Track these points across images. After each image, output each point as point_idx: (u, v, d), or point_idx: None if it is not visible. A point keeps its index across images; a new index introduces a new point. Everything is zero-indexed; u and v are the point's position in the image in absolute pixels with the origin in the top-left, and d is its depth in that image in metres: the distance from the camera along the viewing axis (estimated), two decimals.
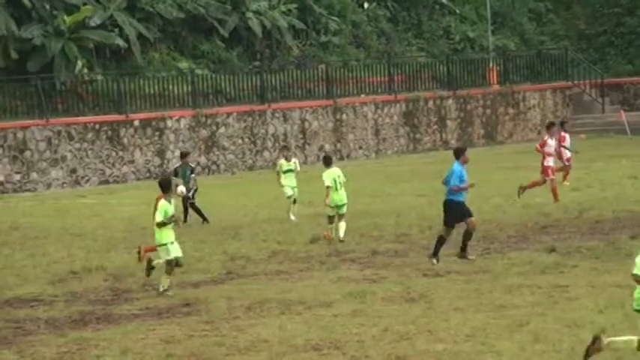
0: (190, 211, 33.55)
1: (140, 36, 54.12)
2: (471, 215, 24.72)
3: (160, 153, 50.82)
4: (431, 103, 58.98)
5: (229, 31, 57.76)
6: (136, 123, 50.69)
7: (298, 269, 24.53)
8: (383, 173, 46.21)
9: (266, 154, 53.68)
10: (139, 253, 26.04)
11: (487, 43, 65.72)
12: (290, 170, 33.33)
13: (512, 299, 20.16)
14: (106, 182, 49.31)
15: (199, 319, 20.04)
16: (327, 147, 54.73)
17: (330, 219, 28.27)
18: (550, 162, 34.41)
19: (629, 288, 20.36)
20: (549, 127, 36.37)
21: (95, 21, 52.51)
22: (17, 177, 47.40)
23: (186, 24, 57.17)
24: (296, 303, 20.83)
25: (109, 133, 49.98)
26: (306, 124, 54.97)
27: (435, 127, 59.00)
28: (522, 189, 33.85)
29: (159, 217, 22.30)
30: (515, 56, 65.24)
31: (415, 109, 58.33)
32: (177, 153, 49.96)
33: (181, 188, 27.69)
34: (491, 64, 63.47)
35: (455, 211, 24.66)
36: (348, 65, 59.87)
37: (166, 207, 22.35)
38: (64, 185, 48.27)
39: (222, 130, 52.71)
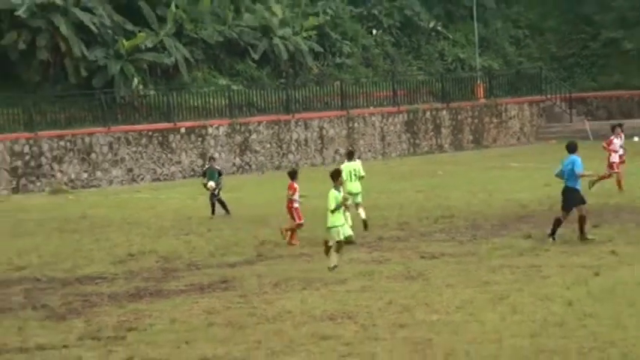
0: (218, 205, 33.31)
1: (185, 58, 54.26)
2: (584, 203, 24.39)
3: (202, 155, 50.83)
4: (428, 113, 58.91)
5: (260, 54, 57.85)
6: (182, 130, 50.78)
7: (317, 252, 24.55)
8: (388, 173, 46.15)
9: (290, 156, 53.69)
10: (282, 233, 26.16)
11: (475, 63, 65.58)
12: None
13: (494, 277, 20.17)
14: (158, 180, 49.41)
15: (235, 293, 20.09)
16: (342, 150, 54.72)
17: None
18: (615, 158, 34.08)
19: (593, 268, 20.48)
20: (615, 128, 35.66)
21: (148, 45, 52.66)
22: (85, 175, 47.52)
23: (224, 47, 57.25)
24: (315, 280, 20.85)
25: (160, 138, 50.11)
26: (324, 132, 54.95)
27: (432, 133, 58.91)
28: (593, 182, 33.20)
29: (332, 205, 22.26)
30: (499, 74, 65.15)
31: (415, 118, 58.28)
32: (217, 155, 50.30)
33: (211, 183, 30.86)
34: (478, 81, 63.39)
35: (574, 198, 24.26)
36: (359, 82, 59.82)
37: (336, 195, 22.35)
38: (123, 182, 48.37)
39: (253, 136, 52.74)
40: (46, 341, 16.51)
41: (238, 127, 52.29)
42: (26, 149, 46.55)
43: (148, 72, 53.04)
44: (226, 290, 20.49)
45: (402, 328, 16.24)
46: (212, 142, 51.44)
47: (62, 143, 47.45)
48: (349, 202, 24.77)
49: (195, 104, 52.45)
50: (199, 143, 51.06)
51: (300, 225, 26.33)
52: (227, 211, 33.17)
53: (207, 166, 35.53)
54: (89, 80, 51.17)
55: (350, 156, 29.29)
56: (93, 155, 48.18)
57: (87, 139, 48.10)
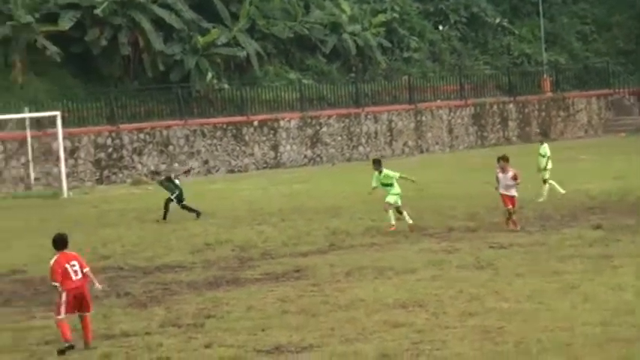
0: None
1: (258, 52, 54.41)
2: None
3: (274, 147, 51.01)
4: (495, 107, 58.53)
5: (329, 49, 57.88)
6: (255, 123, 50.92)
7: (388, 242, 24.44)
8: (456, 164, 45.88)
9: (360, 148, 53.61)
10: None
11: (541, 58, 65.06)
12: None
13: (564, 267, 19.88)
14: (232, 171, 49.60)
15: (308, 282, 20.03)
16: (410, 143, 54.60)
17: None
18: None
19: None
20: None
21: (222, 40, 52.93)
22: (163, 166, 47.84)
23: (294, 43, 57.35)
24: (387, 269, 20.73)
25: (234, 131, 50.28)
26: (393, 124, 54.76)
27: (499, 126, 58.50)
28: None
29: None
30: (565, 69, 64.61)
31: (482, 112, 57.91)
32: (289, 147, 50.42)
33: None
34: (545, 76, 62.93)
35: None
36: (427, 76, 59.62)
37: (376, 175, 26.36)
38: (199, 173, 48.61)
39: (324, 129, 52.71)
40: (130, 328, 16.59)
41: (309, 120, 52.29)
42: (109, 142, 46.99)
43: (222, 67, 53.26)
44: (299, 279, 20.43)
45: (472, 317, 16.05)
46: (284, 135, 51.50)
47: (142, 136, 47.81)
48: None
49: (267, 98, 52.58)
50: (271, 136, 51.14)
51: None
52: (197, 212, 31.37)
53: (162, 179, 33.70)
54: (166, 75, 51.58)
55: (377, 164, 27.68)
56: (170, 147, 48.50)
57: (165, 132, 48.43)
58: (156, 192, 40.86)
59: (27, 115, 43.61)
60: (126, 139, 47.35)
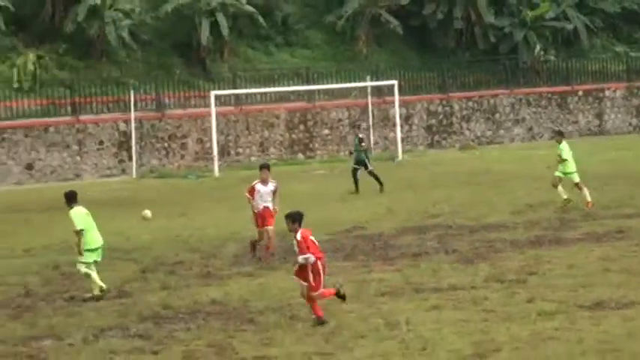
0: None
1: (586, 26, 53.11)
2: None
3: (599, 116, 49.72)
4: None
5: None
6: (580, 93, 49.77)
7: None
8: None
9: None
10: None
11: None
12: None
13: None
14: (532, 138, 48.87)
15: (630, 242, 19.33)
16: None
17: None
18: None
19: None
20: None
21: (550, 15, 52.03)
22: (489, 133, 47.68)
23: (622, 17, 55.47)
24: None
25: (559, 100, 49.41)
26: None
27: None
28: None
29: None
30: None
31: None
32: (613, 116, 48.95)
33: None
34: None
35: None
36: None
37: None
38: (523, 140, 48.10)
39: None
40: (457, 282, 16.64)
41: (636, 90, 50.56)
42: (440, 109, 47.32)
43: (550, 39, 52.37)
44: (622, 240, 19.75)
45: None
46: (608, 104, 50.06)
47: (470, 104, 47.86)
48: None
49: (593, 69, 51.31)
50: (596, 105, 49.86)
51: None
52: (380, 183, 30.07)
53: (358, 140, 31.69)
54: (496, 47, 51.39)
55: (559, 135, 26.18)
56: (497, 115, 48.28)
57: (492, 101, 48.27)
58: (482, 156, 40.83)
59: (368, 83, 44.60)
60: (455, 107, 47.57)
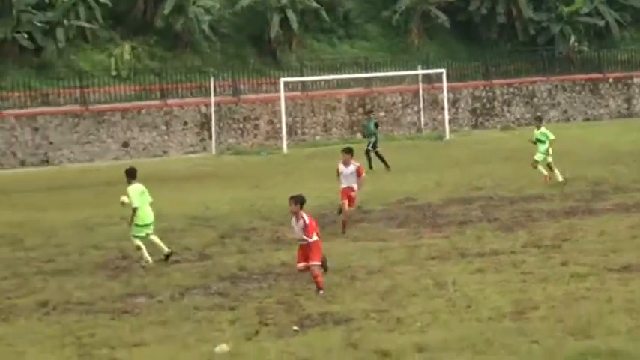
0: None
1: (616, 20, 52.18)
2: None
3: (627, 100, 48.95)
4: None
5: None
6: (610, 80, 48.98)
7: None
8: None
9: None
10: None
11: None
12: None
13: None
14: (587, 120, 48.04)
15: None
16: None
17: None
18: None
19: None
20: None
21: (584, 10, 51.21)
22: (527, 115, 47.03)
23: None
24: None
25: (591, 86, 48.65)
26: None
27: None
28: None
29: None
30: None
31: None
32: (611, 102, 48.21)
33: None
34: None
35: None
36: None
37: None
38: (558, 121, 47.49)
39: None
40: (498, 247, 16.50)
41: None
42: (483, 94, 46.90)
43: (583, 32, 51.56)
44: None
45: None
46: (636, 90, 49.31)
47: (510, 89, 47.37)
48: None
49: (622, 59, 50.46)
50: (625, 90, 49.09)
51: None
52: (386, 164, 29.70)
53: (365, 119, 31.67)
54: (534, 39, 50.78)
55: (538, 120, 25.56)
56: (535, 99, 47.73)
57: (530, 87, 47.72)
58: (521, 135, 40.35)
59: (419, 71, 44.36)
60: (497, 92, 47.09)
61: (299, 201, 14.17)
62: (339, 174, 19.33)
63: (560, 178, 24.13)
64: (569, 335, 10.90)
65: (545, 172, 24.34)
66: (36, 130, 39.08)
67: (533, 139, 24.84)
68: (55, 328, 12.74)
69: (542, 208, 20.59)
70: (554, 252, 15.74)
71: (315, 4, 47.29)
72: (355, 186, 19.19)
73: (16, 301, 14.47)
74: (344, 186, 19.21)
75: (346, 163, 19.21)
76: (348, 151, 19.35)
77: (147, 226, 17.17)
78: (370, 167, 29.39)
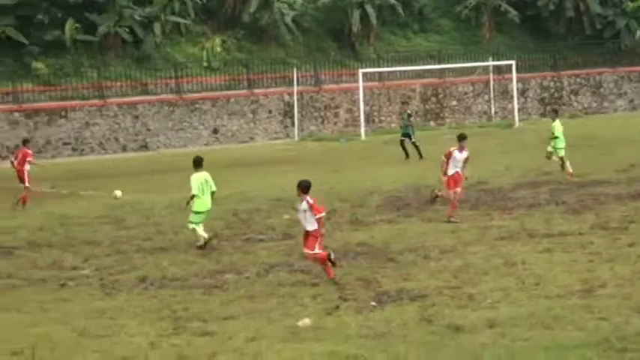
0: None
1: None
2: None
3: None
4: None
5: None
6: None
7: None
8: None
9: None
10: None
11: None
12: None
13: None
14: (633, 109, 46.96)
15: None
16: None
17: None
18: None
19: None
20: None
21: None
22: (594, 104, 46.16)
23: None
24: None
25: None
26: None
27: None
28: None
29: None
30: None
31: None
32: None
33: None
34: None
35: None
36: None
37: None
38: (624, 110, 46.43)
39: None
40: (566, 229, 16.18)
41: None
42: (551, 85, 46.11)
43: None
44: None
45: None
46: None
47: (578, 80, 46.48)
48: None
49: None
50: None
51: None
52: (420, 154, 29.09)
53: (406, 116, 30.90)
54: (601, 32, 49.65)
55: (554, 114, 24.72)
56: (601, 89, 46.75)
57: (597, 77, 46.75)
58: (588, 124, 39.54)
59: (490, 63, 43.83)
60: (565, 83, 46.21)
61: (303, 186, 13.77)
62: (448, 159, 18.37)
63: (552, 160, 23.31)
64: (636, 313, 10.62)
65: (570, 169, 23.23)
66: (136, 117, 39.63)
67: (553, 133, 23.78)
68: (153, 302, 12.87)
69: (608, 192, 20.13)
70: (621, 233, 15.36)
71: (392, 0, 47.07)
72: (461, 170, 18.44)
73: (118, 276, 14.66)
74: (451, 172, 18.33)
75: (461, 149, 18.40)
76: (464, 138, 18.60)
77: (202, 213, 16.87)
78: (407, 156, 29.25)
